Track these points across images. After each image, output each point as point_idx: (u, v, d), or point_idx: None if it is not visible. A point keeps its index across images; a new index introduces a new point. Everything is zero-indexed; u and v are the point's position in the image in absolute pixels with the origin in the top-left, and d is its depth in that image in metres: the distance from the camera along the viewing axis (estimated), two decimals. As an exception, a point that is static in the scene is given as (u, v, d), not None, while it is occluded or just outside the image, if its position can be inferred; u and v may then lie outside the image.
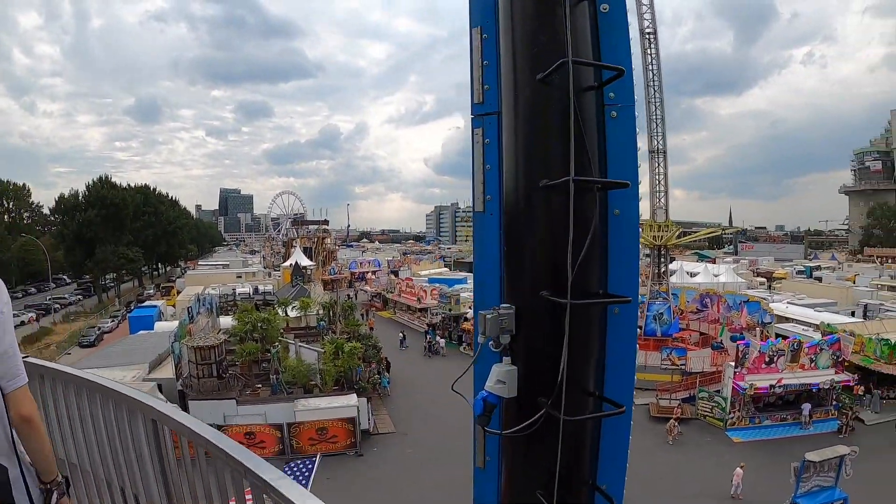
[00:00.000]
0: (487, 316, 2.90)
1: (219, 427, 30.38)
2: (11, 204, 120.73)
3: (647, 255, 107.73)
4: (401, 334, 58.44)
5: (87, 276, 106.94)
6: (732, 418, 34.81)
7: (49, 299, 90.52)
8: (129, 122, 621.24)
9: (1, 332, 3.08)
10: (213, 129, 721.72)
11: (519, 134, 2.93)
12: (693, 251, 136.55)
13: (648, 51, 44.37)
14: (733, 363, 36.51)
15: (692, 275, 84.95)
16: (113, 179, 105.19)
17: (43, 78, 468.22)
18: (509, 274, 3.07)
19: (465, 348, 55.23)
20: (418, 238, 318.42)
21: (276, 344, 40.75)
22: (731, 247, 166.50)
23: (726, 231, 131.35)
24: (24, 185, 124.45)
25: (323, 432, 31.07)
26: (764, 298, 56.90)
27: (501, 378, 2.92)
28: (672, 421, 33.24)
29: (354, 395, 33.52)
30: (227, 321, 51.27)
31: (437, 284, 71.68)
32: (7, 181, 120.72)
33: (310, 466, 16.24)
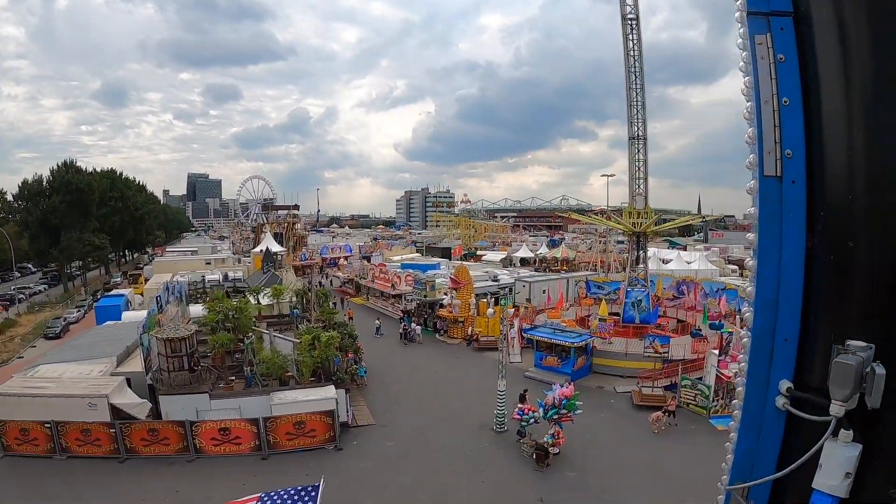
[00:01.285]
0: (842, 360, 1.85)
1: (192, 423, 29.66)
2: None
3: (621, 242, 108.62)
4: (377, 322, 57.81)
5: (53, 265, 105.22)
6: (716, 406, 34.58)
7: (13, 289, 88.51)
8: (95, 106, 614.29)
9: None
10: (181, 113, 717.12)
11: (864, 47, 1.85)
12: (663, 238, 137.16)
13: (630, 37, 43.86)
14: (717, 351, 36.32)
15: (665, 262, 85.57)
16: (79, 164, 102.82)
17: (7, 60, 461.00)
18: (840, 288, 1.98)
19: (440, 335, 54.56)
20: (388, 223, 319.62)
21: (250, 334, 39.60)
22: (701, 234, 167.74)
23: (706, 218, 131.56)
24: None
25: (301, 426, 30.11)
26: (740, 286, 56.92)
27: (849, 468, 1.88)
28: (660, 413, 32.80)
29: (332, 386, 32.62)
30: (197, 310, 50.25)
31: (411, 270, 71.02)
32: None
33: (313, 494, 15.15)
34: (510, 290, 66.96)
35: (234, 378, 35.88)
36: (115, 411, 31.10)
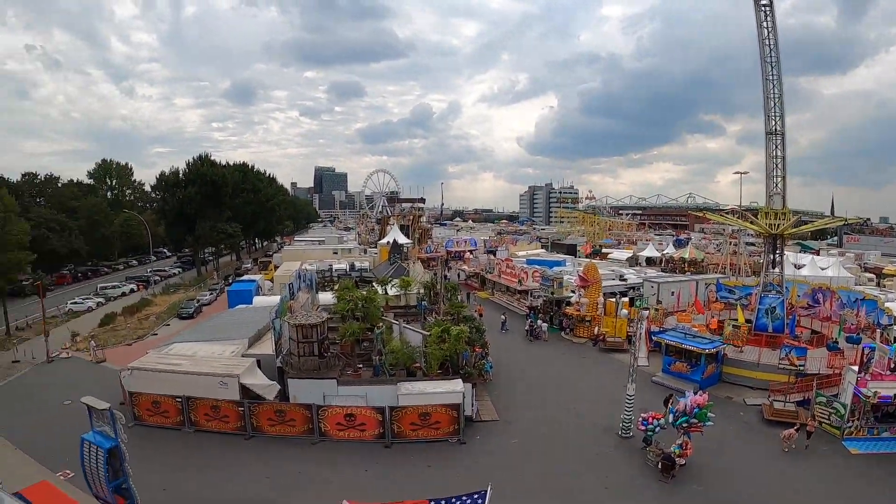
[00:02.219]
0: None
1: (318, 407, 30.20)
2: (115, 182, 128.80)
3: (751, 244, 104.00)
4: (502, 317, 57.60)
5: (187, 250, 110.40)
6: (850, 427, 32.23)
7: (150, 271, 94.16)
8: (225, 104, 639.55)
9: None
10: (306, 110, 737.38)
11: None
12: (795, 241, 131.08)
13: (764, 24, 41.66)
14: (856, 367, 34.06)
15: (798, 267, 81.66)
16: (212, 158, 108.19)
17: (141, 64, 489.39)
18: None
19: (566, 333, 53.82)
20: (511, 218, 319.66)
21: (381, 324, 40.18)
22: (835, 238, 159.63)
23: (847, 222, 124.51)
24: (126, 164, 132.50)
25: (426, 418, 30.26)
26: (879, 297, 53.65)
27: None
28: (793, 430, 30.93)
29: (460, 380, 32.56)
30: (326, 298, 51.26)
31: (538, 266, 70.32)
32: (111, 160, 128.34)
33: (479, 502, 14.92)
34: (638, 290, 65.40)
35: (361, 366, 36.64)
36: (245, 391, 32.42)
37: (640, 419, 29.98)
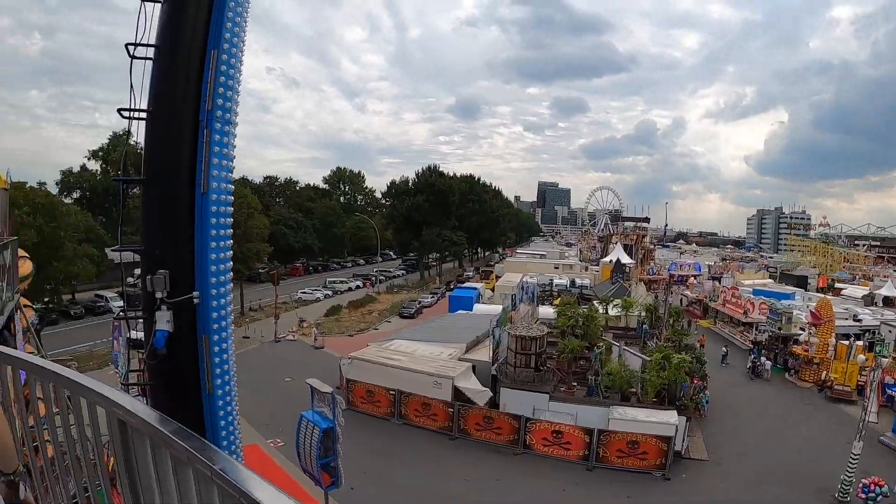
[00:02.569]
0: None
1: (527, 419, 30.31)
2: (348, 188, 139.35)
3: None
4: (724, 349, 54.19)
5: (412, 254, 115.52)
6: None
7: (375, 271, 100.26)
8: (450, 119, 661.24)
9: None
10: (530, 125, 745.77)
11: None
12: None
13: None
14: None
15: None
16: (440, 169, 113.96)
17: (370, 82, 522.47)
18: None
19: (790, 375, 50.10)
20: (737, 243, 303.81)
21: (601, 344, 39.70)
22: None
23: None
24: (359, 172, 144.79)
25: (634, 446, 29.30)
26: None
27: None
28: None
29: (675, 412, 31.32)
30: (546, 312, 51.18)
31: (765, 297, 65.98)
32: (344, 168, 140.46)
33: None
34: (874, 333, 59.32)
35: (575, 384, 36.28)
36: (457, 393, 33.28)
37: (861, 484, 27.14)
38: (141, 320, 8.99)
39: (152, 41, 8.38)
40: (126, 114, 8.38)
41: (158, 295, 8.30)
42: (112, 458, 3.40)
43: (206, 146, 8.45)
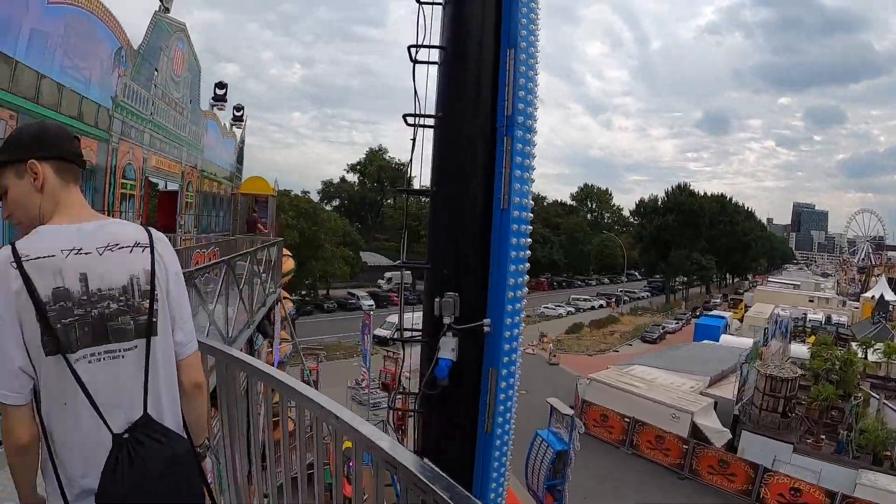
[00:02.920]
0: None
1: (765, 470, 28.28)
2: (595, 205, 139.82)
3: None
4: None
5: (658, 276, 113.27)
6: None
7: (620, 291, 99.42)
8: (698, 134, 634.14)
9: (182, 295, 2.82)
10: (782, 139, 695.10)
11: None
12: None
13: None
14: None
15: None
16: (690, 188, 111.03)
17: (615, 98, 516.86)
18: None
19: None
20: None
21: (859, 394, 35.86)
22: None
23: None
24: (606, 189, 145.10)
25: (871, 522, 26.11)
26: None
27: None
28: None
29: (940, 488, 27.56)
30: (797, 350, 47.51)
31: None
32: (591, 185, 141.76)
33: None
34: None
35: (824, 437, 32.66)
36: (695, 429, 31.74)
37: None
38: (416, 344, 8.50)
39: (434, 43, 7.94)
40: (411, 120, 7.77)
41: (446, 320, 7.52)
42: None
43: (507, 155, 7.50)
